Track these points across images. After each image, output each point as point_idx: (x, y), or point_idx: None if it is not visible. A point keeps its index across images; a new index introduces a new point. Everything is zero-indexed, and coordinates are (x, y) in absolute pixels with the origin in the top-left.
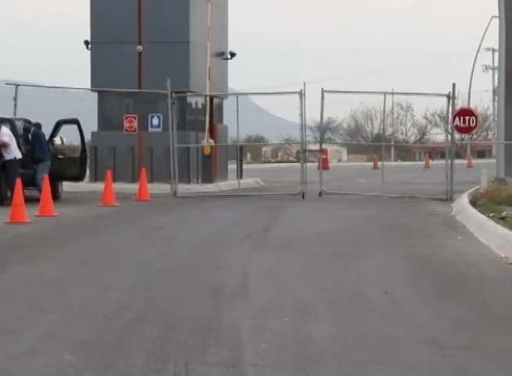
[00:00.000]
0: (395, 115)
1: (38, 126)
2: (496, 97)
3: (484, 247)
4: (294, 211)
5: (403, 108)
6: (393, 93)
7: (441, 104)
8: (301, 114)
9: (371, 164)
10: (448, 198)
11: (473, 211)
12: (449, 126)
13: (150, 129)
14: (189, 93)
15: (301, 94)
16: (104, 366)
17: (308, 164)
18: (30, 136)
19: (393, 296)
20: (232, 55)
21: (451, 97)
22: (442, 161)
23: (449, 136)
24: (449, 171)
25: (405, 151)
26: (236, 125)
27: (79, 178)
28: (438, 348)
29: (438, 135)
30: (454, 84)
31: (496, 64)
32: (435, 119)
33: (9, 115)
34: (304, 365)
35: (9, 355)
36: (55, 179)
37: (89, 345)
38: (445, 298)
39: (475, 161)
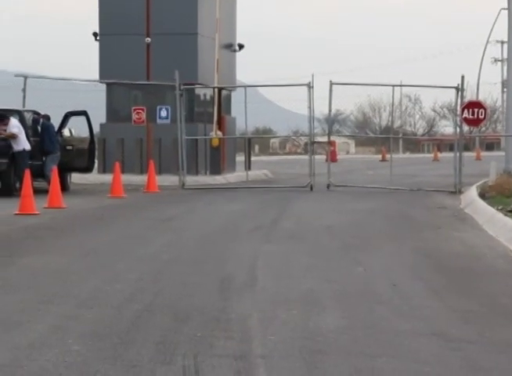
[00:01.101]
0: (404, 107)
1: (47, 118)
2: (505, 89)
3: (493, 240)
4: (303, 204)
5: (411, 100)
6: (401, 85)
7: (450, 96)
8: (310, 106)
9: (379, 156)
10: (457, 191)
11: (482, 204)
12: (458, 118)
13: (159, 121)
14: (197, 85)
15: (310, 86)
16: (113, 357)
17: (316, 157)
18: (39, 128)
19: (401, 289)
20: (241, 47)
21: (460, 89)
22: (451, 154)
23: (458, 129)
24: (458, 163)
25: (413, 144)
26: (244, 117)
27: (88, 169)
28: (447, 341)
29: (446, 128)
30: (463, 77)
31: (505, 56)
32: (444, 111)
33: (17, 107)
34: (313, 357)
35: (18, 346)
36: (64, 171)
37: (98, 337)
38: (454, 290)
39: (484, 154)
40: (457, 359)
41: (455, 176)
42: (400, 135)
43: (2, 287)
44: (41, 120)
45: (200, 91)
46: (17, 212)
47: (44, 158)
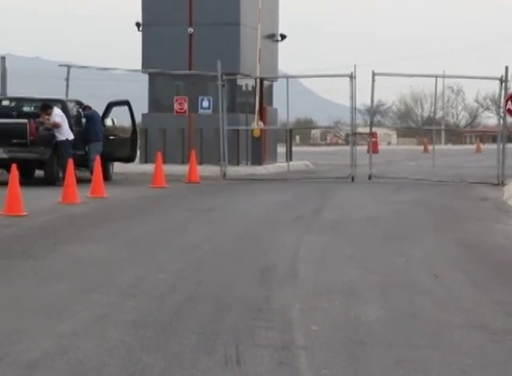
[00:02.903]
0: (446, 99)
1: (89, 109)
2: None
3: None
4: (344, 195)
5: (454, 91)
6: (444, 76)
7: (493, 88)
8: (352, 97)
9: (421, 147)
10: (500, 183)
11: None
12: (501, 110)
13: (200, 111)
14: (239, 75)
15: (352, 76)
16: (155, 346)
17: (358, 148)
18: (83, 120)
19: (443, 280)
20: (283, 37)
21: (503, 80)
22: (493, 145)
23: (501, 120)
24: (501, 155)
25: (455, 135)
26: (285, 108)
27: (130, 159)
28: (490, 334)
29: (489, 119)
30: (507, 68)
31: None
32: (487, 103)
33: (60, 96)
34: (355, 348)
35: (62, 334)
36: (107, 161)
37: (140, 326)
38: (497, 283)
39: None
40: (500, 351)
41: (498, 168)
42: (442, 127)
43: (46, 276)
44: (82, 110)
45: (241, 81)
46: (60, 201)
47: (86, 148)
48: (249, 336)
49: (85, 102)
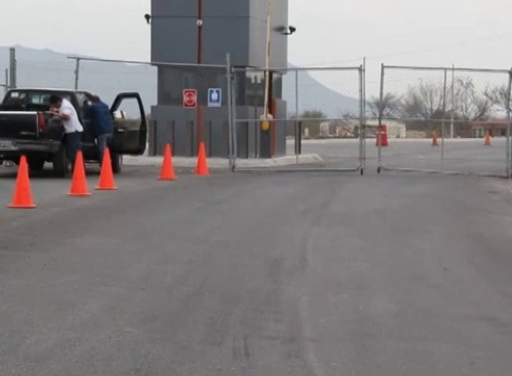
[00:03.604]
0: (455, 91)
1: (97, 99)
2: None
3: None
4: (353, 187)
5: (463, 84)
6: (453, 69)
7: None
8: (361, 90)
9: (430, 140)
10: (509, 175)
11: None
12: (510, 103)
13: (209, 104)
14: (248, 68)
15: (361, 69)
16: (164, 338)
17: (367, 140)
18: (90, 108)
19: (452, 273)
20: (292, 30)
21: None
22: (503, 138)
23: (510, 113)
24: (510, 148)
25: (464, 128)
26: (294, 100)
27: (139, 151)
28: (499, 326)
29: (498, 112)
30: None
31: None
32: (496, 96)
33: (69, 88)
34: (363, 341)
35: (71, 326)
36: (116, 153)
37: (149, 318)
38: (506, 275)
39: None
40: (509, 343)
41: (507, 161)
42: (451, 120)
43: (56, 268)
44: (90, 102)
45: (250, 74)
46: (69, 193)
47: (96, 140)
48: (257, 328)
49: (94, 94)
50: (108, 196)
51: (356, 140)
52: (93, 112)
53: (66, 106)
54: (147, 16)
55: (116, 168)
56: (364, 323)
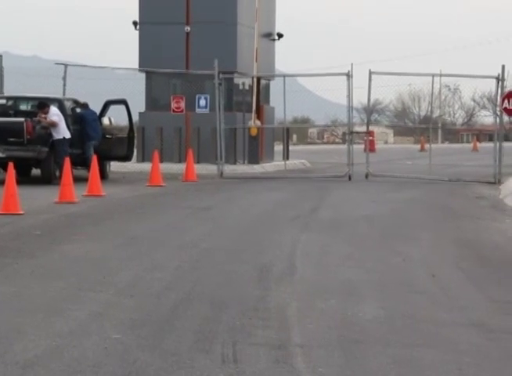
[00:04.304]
0: (443, 97)
1: (86, 106)
2: None
3: None
4: (341, 193)
5: (451, 90)
6: (441, 75)
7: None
8: (349, 96)
9: (418, 146)
10: (497, 181)
11: None
12: (498, 108)
13: (197, 110)
14: (236, 74)
15: (349, 75)
16: (152, 345)
17: (355, 146)
18: (79, 114)
19: (440, 279)
20: (280, 36)
21: (500, 79)
22: (490, 144)
23: (498, 119)
24: (498, 154)
25: (452, 133)
26: (282, 106)
27: (127, 158)
28: (487, 332)
29: (486, 118)
30: (503, 66)
31: None
32: (483, 101)
33: (57, 95)
34: (351, 347)
35: (59, 333)
36: (103, 159)
37: (138, 325)
38: (494, 281)
39: None
40: (497, 349)
41: (494, 167)
42: (439, 125)
43: (44, 274)
44: (79, 109)
45: (238, 80)
46: (57, 200)
47: (84, 146)
48: (246, 335)
49: (82, 100)
50: (96, 202)
51: (344, 146)
52: (82, 119)
53: (54, 113)
54: (135, 23)
55: (104, 175)
56: (352, 329)
